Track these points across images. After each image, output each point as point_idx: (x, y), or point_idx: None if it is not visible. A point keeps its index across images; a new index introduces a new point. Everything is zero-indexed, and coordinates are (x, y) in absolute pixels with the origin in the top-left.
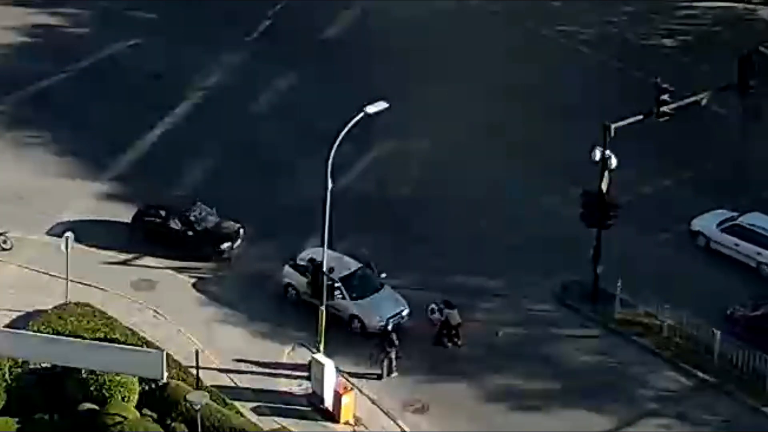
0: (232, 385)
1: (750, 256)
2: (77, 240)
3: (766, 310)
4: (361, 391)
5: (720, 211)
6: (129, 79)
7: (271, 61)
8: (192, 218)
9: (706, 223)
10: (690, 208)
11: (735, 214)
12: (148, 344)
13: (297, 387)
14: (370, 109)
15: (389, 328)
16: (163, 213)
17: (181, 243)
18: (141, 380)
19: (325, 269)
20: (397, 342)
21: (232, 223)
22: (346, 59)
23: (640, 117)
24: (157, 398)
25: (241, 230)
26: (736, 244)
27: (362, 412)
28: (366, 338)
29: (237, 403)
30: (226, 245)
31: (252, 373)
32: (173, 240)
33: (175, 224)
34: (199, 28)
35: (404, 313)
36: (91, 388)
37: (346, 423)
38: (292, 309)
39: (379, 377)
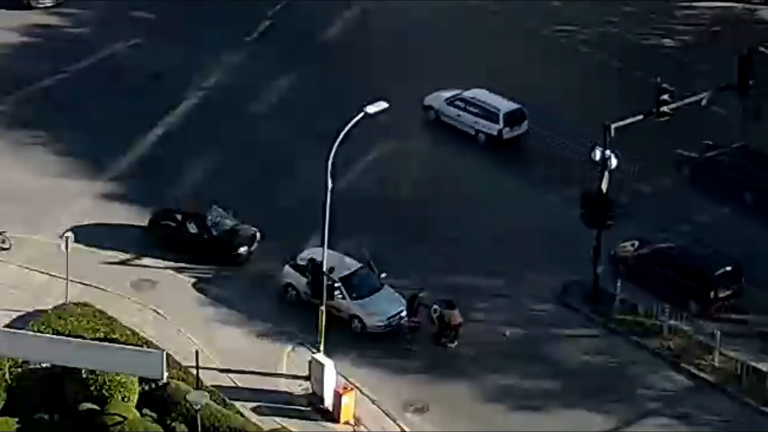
0: (232, 385)
1: (469, 125)
2: (77, 240)
3: (650, 248)
4: (361, 391)
5: (451, 89)
6: (129, 79)
7: (271, 61)
8: (209, 222)
9: (437, 98)
10: (690, 208)
11: (462, 90)
12: (148, 344)
13: (297, 387)
14: (370, 109)
15: (421, 294)
16: (179, 217)
17: (198, 247)
18: (141, 380)
19: (325, 269)
20: (415, 313)
21: (247, 226)
22: (346, 59)
23: (640, 117)
24: (157, 398)
25: (257, 234)
26: (458, 115)
27: (362, 412)
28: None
29: (237, 403)
30: (243, 249)
31: (252, 373)
32: (190, 244)
33: (192, 228)
34: (199, 28)
35: (404, 312)
36: (91, 388)
37: (346, 423)
38: (292, 309)
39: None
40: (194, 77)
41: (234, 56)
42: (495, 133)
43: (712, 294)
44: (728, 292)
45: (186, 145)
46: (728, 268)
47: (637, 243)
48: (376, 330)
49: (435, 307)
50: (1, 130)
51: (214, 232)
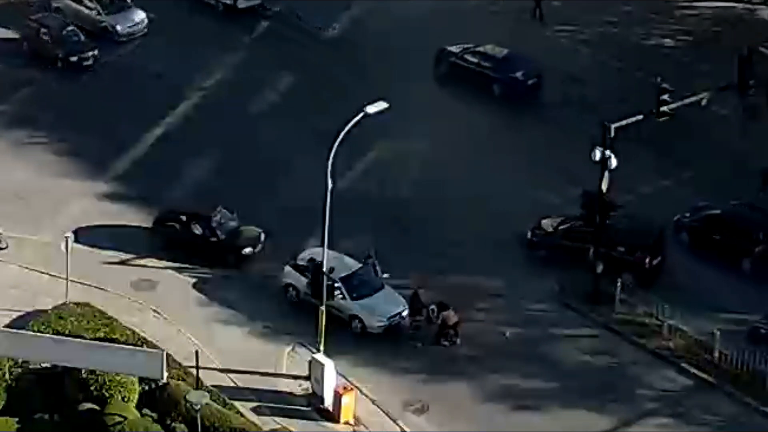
0: (232, 385)
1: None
2: (77, 240)
3: (564, 228)
4: (361, 391)
5: None
6: (129, 79)
7: (271, 61)
8: (214, 224)
9: None
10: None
11: None
12: (148, 344)
13: (297, 387)
14: (370, 109)
15: (418, 292)
16: (183, 218)
17: (204, 249)
18: (141, 380)
19: (325, 269)
20: (423, 311)
21: (252, 227)
22: (346, 59)
23: (640, 117)
24: (157, 398)
25: (262, 235)
26: None
27: (362, 412)
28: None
29: (237, 403)
30: (248, 250)
31: (252, 373)
32: (195, 246)
33: (197, 230)
34: (199, 28)
35: (404, 313)
36: (91, 388)
37: (346, 423)
38: (292, 309)
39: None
40: (194, 77)
41: (234, 56)
42: (230, 1)
43: (647, 263)
44: (659, 259)
45: (186, 145)
46: (657, 236)
47: (557, 221)
48: (376, 330)
49: (432, 307)
50: (1, 130)
51: (220, 234)
